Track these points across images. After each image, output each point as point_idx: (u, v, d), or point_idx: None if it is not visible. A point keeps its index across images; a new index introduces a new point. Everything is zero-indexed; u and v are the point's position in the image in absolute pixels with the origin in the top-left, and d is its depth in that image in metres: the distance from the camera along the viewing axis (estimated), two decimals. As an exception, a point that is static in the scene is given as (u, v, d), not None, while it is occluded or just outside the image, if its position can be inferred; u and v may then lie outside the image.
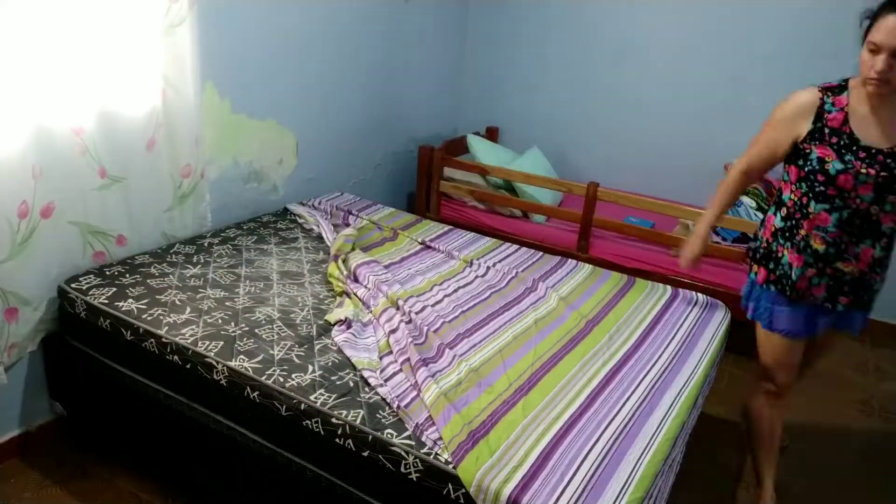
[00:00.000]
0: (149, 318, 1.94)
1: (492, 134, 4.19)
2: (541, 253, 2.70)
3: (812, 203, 1.74)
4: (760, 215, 3.11)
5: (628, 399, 1.74)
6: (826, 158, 1.69)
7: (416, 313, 2.05)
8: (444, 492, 1.44)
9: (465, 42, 4.17)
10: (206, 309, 2.02)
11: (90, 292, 2.05)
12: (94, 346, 2.06)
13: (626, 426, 1.63)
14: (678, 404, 1.76)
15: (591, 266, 2.59)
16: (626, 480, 1.45)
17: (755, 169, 1.90)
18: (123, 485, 2.07)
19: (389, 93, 3.64)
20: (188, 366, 1.83)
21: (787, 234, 1.82)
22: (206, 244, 2.48)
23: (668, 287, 2.46)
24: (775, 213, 1.88)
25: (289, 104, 2.97)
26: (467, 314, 2.11)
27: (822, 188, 1.71)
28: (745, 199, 3.11)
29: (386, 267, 2.41)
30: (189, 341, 1.85)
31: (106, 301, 2.01)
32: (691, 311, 2.29)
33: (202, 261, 2.35)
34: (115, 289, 2.08)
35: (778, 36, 3.32)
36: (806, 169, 1.74)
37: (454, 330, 2.00)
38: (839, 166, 1.66)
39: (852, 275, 1.77)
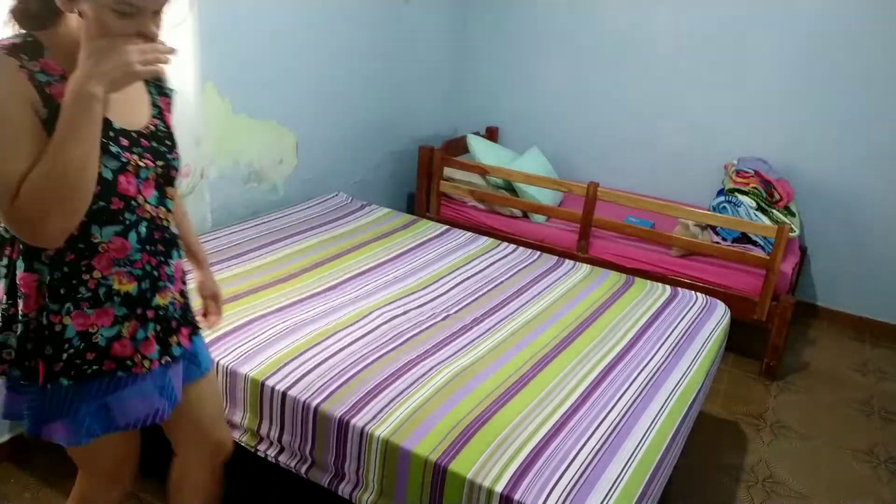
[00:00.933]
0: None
1: (492, 134, 4.19)
2: (538, 253, 2.70)
3: (95, 229, 1.12)
4: (761, 216, 3.10)
5: (621, 397, 1.74)
6: None
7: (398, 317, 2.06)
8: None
9: (465, 42, 4.17)
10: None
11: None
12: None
13: (618, 424, 1.63)
14: (671, 402, 1.76)
15: (588, 266, 2.59)
16: (617, 477, 1.45)
17: None
18: (123, 484, 2.07)
19: (389, 93, 3.64)
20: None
21: (66, 292, 1.13)
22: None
23: (668, 287, 2.46)
24: (28, 272, 1.12)
25: (289, 104, 2.97)
26: (460, 313, 2.12)
27: (103, 203, 1.11)
28: (745, 199, 3.09)
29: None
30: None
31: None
32: (689, 310, 2.28)
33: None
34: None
35: (778, 36, 3.32)
36: None
37: (449, 328, 2.00)
38: (112, 164, 1.11)
39: (174, 303, 1.27)
